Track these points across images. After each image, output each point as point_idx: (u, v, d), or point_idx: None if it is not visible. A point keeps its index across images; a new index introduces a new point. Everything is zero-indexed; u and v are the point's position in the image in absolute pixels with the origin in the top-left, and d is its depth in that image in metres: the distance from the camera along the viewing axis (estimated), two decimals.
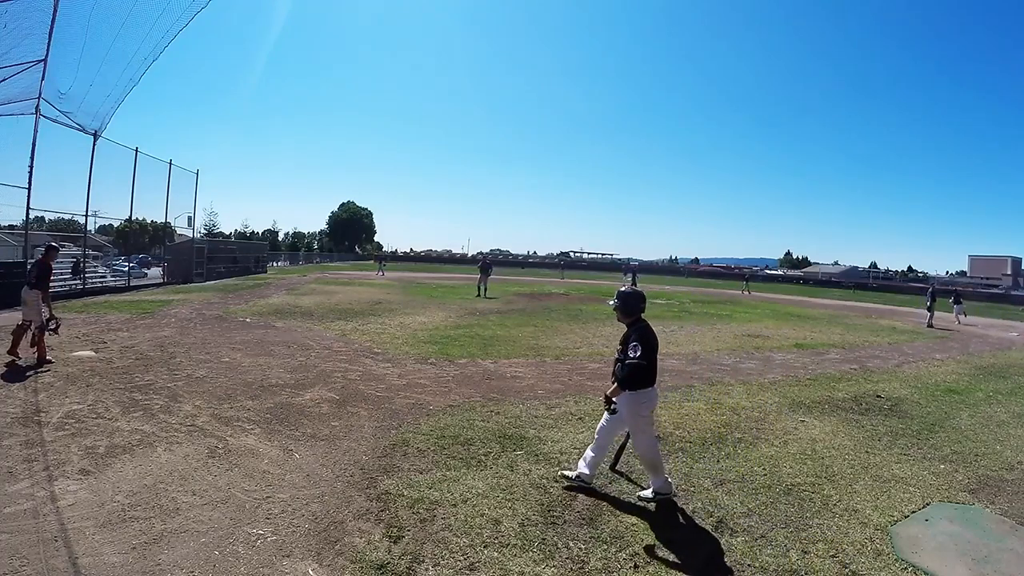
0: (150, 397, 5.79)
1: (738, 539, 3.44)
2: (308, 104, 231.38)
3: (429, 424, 5.34)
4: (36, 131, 12.97)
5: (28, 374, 6.52)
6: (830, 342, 12.94)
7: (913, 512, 3.95)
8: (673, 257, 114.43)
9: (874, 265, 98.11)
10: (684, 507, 3.85)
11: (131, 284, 19.41)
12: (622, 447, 4.30)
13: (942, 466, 4.94)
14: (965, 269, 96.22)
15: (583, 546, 3.26)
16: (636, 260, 76.46)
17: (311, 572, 2.88)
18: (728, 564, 3.17)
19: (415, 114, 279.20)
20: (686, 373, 8.43)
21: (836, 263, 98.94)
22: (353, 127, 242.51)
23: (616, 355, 3.97)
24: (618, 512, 3.73)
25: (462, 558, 3.07)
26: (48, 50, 11.18)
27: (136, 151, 18.42)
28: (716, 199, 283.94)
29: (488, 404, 6.14)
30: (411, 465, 4.32)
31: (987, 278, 78.60)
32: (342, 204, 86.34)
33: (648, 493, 3.91)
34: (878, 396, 7.52)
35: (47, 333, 7.28)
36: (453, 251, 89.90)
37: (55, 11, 10.13)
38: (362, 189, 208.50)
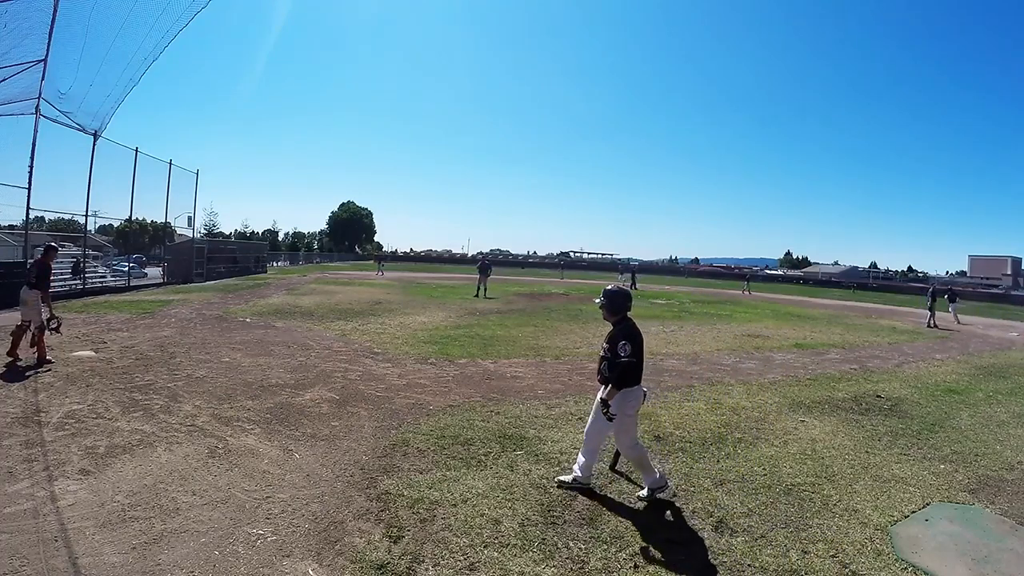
0: (150, 397, 5.80)
1: (738, 539, 3.44)
2: (308, 104, 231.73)
3: (429, 424, 5.34)
4: (36, 131, 13.00)
5: (28, 374, 6.53)
6: (830, 342, 12.94)
7: (913, 512, 3.95)
8: (673, 257, 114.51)
9: (874, 265, 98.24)
10: (684, 507, 3.85)
11: (131, 284, 19.43)
12: None
13: (942, 466, 4.94)
14: (965, 269, 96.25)
15: (583, 546, 3.27)
16: (636, 260, 76.28)
17: (311, 572, 2.88)
18: (728, 564, 3.17)
19: (415, 114, 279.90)
20: (686, 373, 8.43)
21: (836, 263, 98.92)
22: (353, 127, 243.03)
23: (602, 353, 3.97)
24: (618, 512, 3.73)
25: (462, 558, 3.07)
26: (48, 50, 11.19)
27: (136, 151, 18.45)
28: (716, 199, 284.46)
29: (488, 404, 6.14)
30: (411, 465, 4.32)
31: (987, 278, 78.62)
32: (342, 204, 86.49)
33: (645, 492, 3.92)
34: (878, 396, 7.52)
35: (48, 332, 7.28)
36: (453, 251, 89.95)
37: (55, 11, 10.13)
38: (362, 189, 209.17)
